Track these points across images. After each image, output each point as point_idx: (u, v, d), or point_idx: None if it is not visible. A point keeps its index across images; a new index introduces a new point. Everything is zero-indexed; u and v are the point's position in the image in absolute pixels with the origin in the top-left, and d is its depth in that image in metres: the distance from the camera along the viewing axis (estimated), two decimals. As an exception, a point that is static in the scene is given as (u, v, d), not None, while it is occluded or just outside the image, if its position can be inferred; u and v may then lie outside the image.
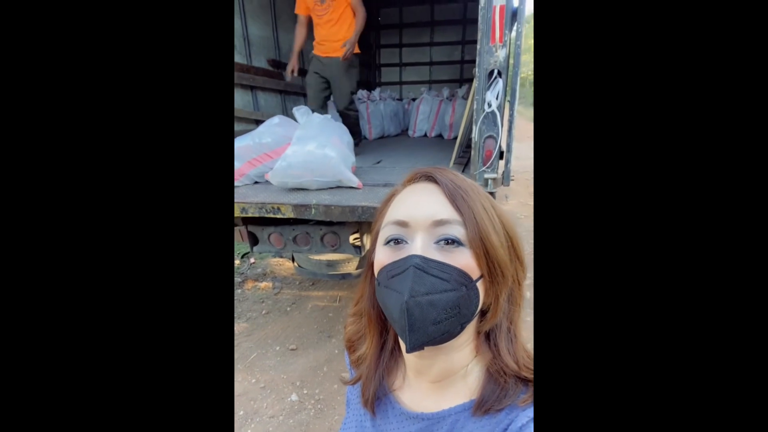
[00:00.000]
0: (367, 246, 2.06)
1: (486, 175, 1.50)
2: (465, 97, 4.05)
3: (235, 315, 2.67)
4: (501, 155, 1.51)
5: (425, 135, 4.32)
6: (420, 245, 0.40)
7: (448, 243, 0.40)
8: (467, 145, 2.60)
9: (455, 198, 0.41)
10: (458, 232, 0.40)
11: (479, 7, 1.38)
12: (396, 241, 0.42)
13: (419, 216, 0.41)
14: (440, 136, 4.22)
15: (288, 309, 2.74)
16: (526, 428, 0.38)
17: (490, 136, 1.46)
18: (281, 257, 3.41)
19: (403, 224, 0.42)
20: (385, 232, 0.43)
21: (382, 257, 0.42)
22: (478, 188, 0.44)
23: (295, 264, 2.67)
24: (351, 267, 2.39)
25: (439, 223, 0.40)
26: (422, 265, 0.39)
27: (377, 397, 0.50)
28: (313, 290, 2.98)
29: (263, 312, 2.71)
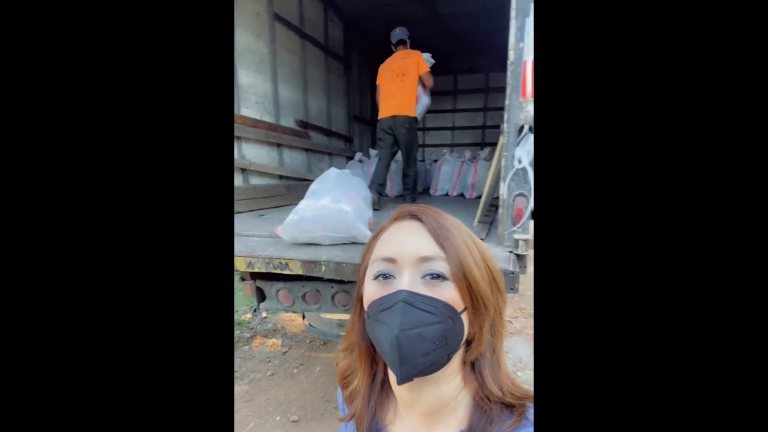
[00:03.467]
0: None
1: (516, 236, 1.37)
2: (487, 159, 4.07)
3: (239, 375, 2.47)
4: (532, 215, 1.39)
5: (447, 194, 4.29)
6: (407, 280, 0.42)
7: (433, 278, 0.42)
8: (491, 204, 2.50)
9: (438, 235, 0.43)
10: (442, 267, 0.42)
11: (509, 62, 1.36)
12: (384, 276, 0.44)
13: (406, 252, 0.43)
14: (462, 195, 4.18)
15: (294, 371, 2.51)
16: None
17: (520, 194, 1.36)
18: (293, 312, 3.24)
19: (390, 260, 0.44)
20: (374, 267, 0.45)
21: (372, 292, 0.44)
22: (460, 225, 0.46)
23: (306, 322, 2.51)
24: (364, 329, 2.20)
25: (425, 259, 0.42)
26: (410, 299, 0.40)
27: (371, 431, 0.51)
28: (324, 351, 2.76)
29: (268, 373, 2.49)
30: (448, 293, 0.41)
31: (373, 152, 4.63)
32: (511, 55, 1.37)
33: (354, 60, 4.94)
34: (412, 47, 3.09)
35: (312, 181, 3.79)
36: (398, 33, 3.05)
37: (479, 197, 3.98)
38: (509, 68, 1.38)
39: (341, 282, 1.62)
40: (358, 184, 1.83)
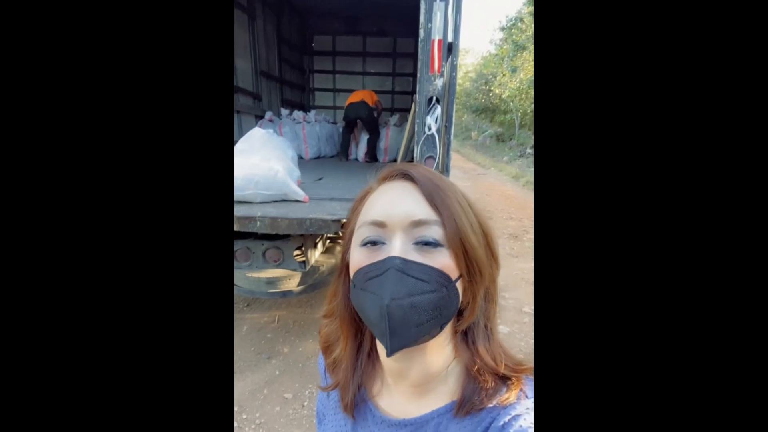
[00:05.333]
0: (311, 261, 2.06)
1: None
2: (397, 125, 4.32)
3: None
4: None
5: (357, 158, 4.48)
6: (399, 246, 0.39)
7: (427, 244, 0.39)
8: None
9: (433, 197, 0.40)
10: (437, 233, 0.39)
11: (419, 39, 1.56)
12: (373, 243, 0.41)
13: (397, 216, 0.40)
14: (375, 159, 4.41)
15: (219, 333, 2.57)
16: (508, 426, 0.38)
17: (430, 157, 1.63)
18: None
19: (380, 224, 0.40)
20: (361, 232, 0.42)
21: (359, 259, 0.41)
22: (455, 186, 0.43)
23: (230, 284, 2.53)
24: (292, 284, 2.34)
25: (418, 223, 0.39)
26: (402, 267, 0.38)
27: (356, 402, 0.48)
28: (249, 312, 2.84)
29: (191, 338, 2.50)
30: (443, 260, 0.39)
31: (284, 111, 4.53)
32: (421, 33, 1.58)
33: (258, 11, 4.63)
34: None
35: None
36: None
37: (393, 161, 4.28)
38: (420, 45, 1.59)
39: (272, 238, 1.74)
40: (284, 143, 1.92)
